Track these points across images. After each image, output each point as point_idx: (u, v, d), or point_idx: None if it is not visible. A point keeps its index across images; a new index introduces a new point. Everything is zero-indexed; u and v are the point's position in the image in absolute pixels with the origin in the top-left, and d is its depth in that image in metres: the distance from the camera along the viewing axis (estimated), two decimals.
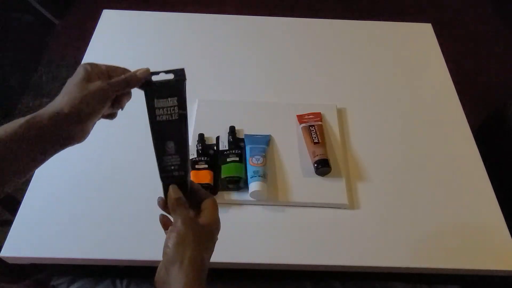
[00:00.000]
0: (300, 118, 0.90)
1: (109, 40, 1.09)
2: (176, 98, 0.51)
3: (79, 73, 0.49)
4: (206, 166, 0.79)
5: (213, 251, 0.50)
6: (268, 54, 1.08)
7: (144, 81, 0.52)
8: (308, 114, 0.90)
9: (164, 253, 0.48)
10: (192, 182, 0.53)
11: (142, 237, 0.74)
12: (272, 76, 1.03)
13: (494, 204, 0.81)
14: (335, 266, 0.74)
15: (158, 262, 0.72)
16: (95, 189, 0.80)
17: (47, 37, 2.08)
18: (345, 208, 0.79)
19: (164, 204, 0.52)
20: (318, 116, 0.90)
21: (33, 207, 0.78)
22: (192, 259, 0.46)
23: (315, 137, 0.84)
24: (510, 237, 0.77)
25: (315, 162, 0.81)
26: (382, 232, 0.77)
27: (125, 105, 0.55)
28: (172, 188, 0.51)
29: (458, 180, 0.85)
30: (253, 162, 0.80)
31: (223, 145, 0.84)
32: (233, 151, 0.82)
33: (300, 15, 1.20)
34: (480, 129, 1.13)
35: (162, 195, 0.52)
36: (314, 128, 0.86)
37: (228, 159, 0.81)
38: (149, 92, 0.52)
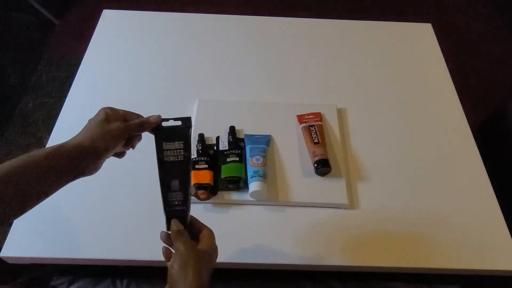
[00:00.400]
0: (300, 118, 0.90)
1: (109, 40, 1.09)
2: (182, 142, 0.58)
3: (100, 114, 0.56)
4: (206, 166, 0.79)
5: (211, 273, 0.55)
6: (268, 54, 1.08)
7: (155, 125, 0.59)
8: (308, 114, 0.90)
9: (170, 275, 0.53)
10: (191, 216, 0.60)
11: (142, 237, 0.74)
12: (272, 76, 1.03)
13: (494, 204, 0.81)
14: (335, 266, 0.74)
15: (158, 262, 0.72)
16: (95, 189, 0.80)
17: (47, 37, 2.08)
18: (345, 208, 0.79)
19: (166, 236, 0.58)
20: (318, 116, 0.90)
21: (33, 207, 0.77)
22: (195, 276, 0.51)
23: (315, 137, 0.84)
24: (510, 237, 0.77)
25: (315, 162, 0.81)
26: (382, 232, 0.77)
27: (135, 145, 0.62)
28: (174, 222, 0.57)
29: (458, 180, 0.85)
30: (253, 162, 0.80)
31: (223, 145, 0.84)
32: (233, 151, 0.82)
33: (300, 15, 1.21)
34: (480, 129, 1.13)
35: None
36: (314, 128, 0.86)
37: (228, 159, 0.81)
38: (159, 135, 0.58)
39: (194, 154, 0.82)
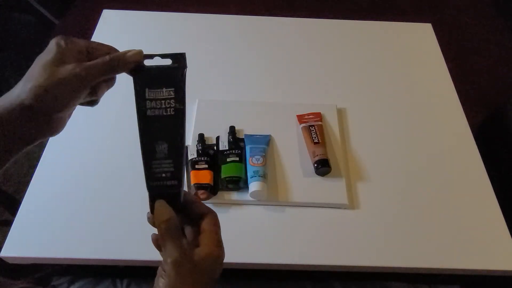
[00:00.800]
0: (300, 118, 0.90)
1: (109, 40, 1.08)
2: (173, 89, 0.42)
3: (49, 50, 0.39)
4: (206, 166, 0.79)
5: None
6: (268, 54, 1.08)
7: (135, 65, 0.41)
8: (308, 114, 0.90)
9: None
10: (186, 192, 0.43)
11: (142, 237, 0.74)
12: (272, 76, 1.03)
13: (494, 204, 0.81)
14: (335, 266, 0.74)
15: (158, 262, 0.72)
16: (95, 189, 0.80)
17: (47, 37, 2.08)
18: (345, 208, 0.79)
19: (155, 237, 0.42)
20: (318, 116, 0.90)
21: (33, 207, 0.78)
22: None
23: (315, 137, 0.84)
24: (510, 237, 0.77)
25: (315, 162, 0.81)
26: (382, 232, 0.77)
27: (102, 95, 0.45)
28: (160, 206, 0.40)
29: (458, 180, 0.85)
30: (253, 162, 0.80)
31: (223, 145, 0.84)
32: (233, 151, 0.82)
33: (300, 15, 1.21)
34: (480, 129, 1.13)
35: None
36: (314, 128, 0.86)
37: (228, 159, 0.81)
38: (140, 79, 0.42)
39: (194, 154, 0.82)
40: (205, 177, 0.78)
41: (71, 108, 0.40)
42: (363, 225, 0.77)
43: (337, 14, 1.32)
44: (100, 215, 0.77)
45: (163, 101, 0.42)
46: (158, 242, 0.41)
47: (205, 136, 0.86)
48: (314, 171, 0.82)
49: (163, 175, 0.42)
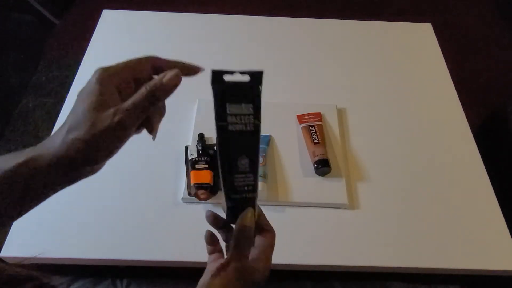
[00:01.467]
0: (300, 118, 0.90)
1: (109, 40, 1.09)
2: (251, 105, 0.43)
3: (91, 91, 0.37)
4: (206, 166, 0.79)
5: None
6: (268, 54, 1.08)
7: (175, 88, 0.42)
8: (308, 114, 0.90)
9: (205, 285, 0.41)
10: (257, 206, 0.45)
11: (142, 237, 0.74)
12: (272, 76, 1.03)
13: (494, 204, 0.81)
14: (335, 266, 0.74)
15: (158, 262, 0.72)
16: (95, 189, 0.80)
17: (47, 37, 2.08)
18: (345, 208, 0.79)
19: (212, 239, 0.46)
20: (318, 116, 0.90)
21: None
22: None
23: (315, 137, 0.84)
24: (510, 237, 0.77)
25: (315, 162, 0.81)
26: (382, 232, 0.77)
27: (158, 124, 0.44)
28: (251, 214, 0.43)
29: (458, 180, 0.85)
30: None
31: None
32: None
33: (300, 15, 1.20)
34: (480, 129, 1.13)
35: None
36: (314, 128, 0.86)
37: None
38: (220, 94, 0.43)
39: (194, 154, 0.82)
40: (205, 177, 0.78)
41: (115, 153, 0.39)
42: (363, 225, 0.77)
43: (337, 14, 1.32)
44: (100, 215, 0.77)
45: (243, 117, 0.43)
46: (212, 239, 0.46)
47: (205, 136, 0.86)
48: (314, 171, 0.82)
49: (246, 188, 0.43)
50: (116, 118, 0.36)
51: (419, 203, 0.81)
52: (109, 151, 0.38)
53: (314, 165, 0.81)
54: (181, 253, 0.73)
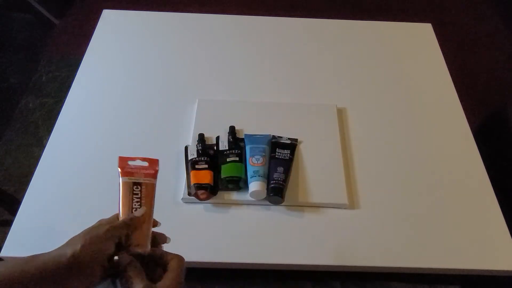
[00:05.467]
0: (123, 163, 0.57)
1: (109, 40, 1.09)
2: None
3: (97, 235, 0.48)
4: (206, 166, 0.79)
5: None
6: (268, 54, 1.08)
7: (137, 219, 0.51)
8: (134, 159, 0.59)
9: None
10: (153, 249, 0.51)
11: None
12: (272, 76, 1.03)
13: (494, 204, 0.81)
14: (335, 266, 0.74)
15: None
16: (95, 189, 0.80)
17: (47, 37, 2.08)
18: (345, 208, 0.79)
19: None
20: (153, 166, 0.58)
21: (33, 207, 0.78)
22: None
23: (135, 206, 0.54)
24: (510, 237, 0.77)
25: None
26: (382, 232, 0.77)
27: (162, 246, 0.53)
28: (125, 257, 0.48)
29: (458, 180, 0.85)
30: (253, 162, 0.80)
31: (223, 145, 0.84)
32: (233, 151, 0.82)
33: (300, 15, 1.20)
34: (480, 129, 1.13)
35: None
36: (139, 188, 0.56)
37: (228, 159, 0.81)
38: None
39: (194, 154, 0.82)
40: (205, 177, 0.78)
41: (106, 260, 0.47)
42: (363, 225, 0.77)
43: (337, 14, 1.32)
44: (100, 215, 0.77)
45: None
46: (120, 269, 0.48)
47: (205, 136, 0.86)
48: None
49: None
50: (105, 227, 0.48)
51: (419, 203, 0.81)
52: (101, 254, 0.46)
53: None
54: (181, 253, 0.73)
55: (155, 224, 0.54)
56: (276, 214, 0.78)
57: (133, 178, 0.52)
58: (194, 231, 0.75)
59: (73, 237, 0.47)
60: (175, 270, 0.48)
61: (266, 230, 0.76)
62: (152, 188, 0.52)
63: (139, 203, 0.51)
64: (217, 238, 0.75)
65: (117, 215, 0.51)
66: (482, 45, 2.15)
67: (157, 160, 0.56)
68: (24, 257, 0.45)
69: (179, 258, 0.50)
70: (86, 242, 0.46)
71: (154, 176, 0.52)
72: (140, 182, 0.52)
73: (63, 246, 0.47)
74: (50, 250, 0.46)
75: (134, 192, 0.51)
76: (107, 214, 0.77)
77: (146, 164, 0.53)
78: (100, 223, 0.50)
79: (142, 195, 0.52)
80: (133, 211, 0.50)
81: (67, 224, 0.76)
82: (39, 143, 1.65)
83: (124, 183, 0.52)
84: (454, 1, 2.36)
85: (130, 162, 0.53)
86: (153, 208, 0.51)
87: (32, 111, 1.76)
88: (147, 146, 0.87)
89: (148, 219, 0.50)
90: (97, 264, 0.46)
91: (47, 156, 0.85)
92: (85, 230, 0.48)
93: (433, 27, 1.17)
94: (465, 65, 1.98)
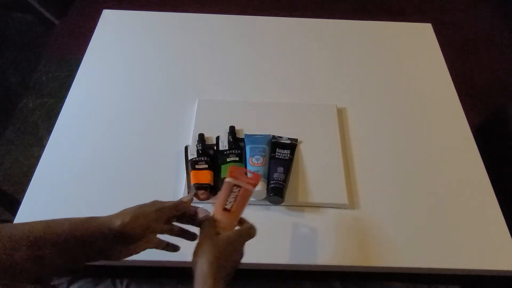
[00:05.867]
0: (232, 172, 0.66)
1: (109, 40, 1.09)
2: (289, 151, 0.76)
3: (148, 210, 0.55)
4: (206, 166, 0.79)
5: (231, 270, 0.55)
6: (268, 54, 1.08)
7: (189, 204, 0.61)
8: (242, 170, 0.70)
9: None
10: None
11: None
12: (272, 76, 1.03)
13: (494, 204, 0.81)
14: (335, 266, 0.74)
15: (157, 262, 0.72)
16: (95, 189, 0.80)
17: (47, 37, 2.08)
18: (345, 208, 0.79)
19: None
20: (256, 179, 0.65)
21: (33, 207, 0.78)
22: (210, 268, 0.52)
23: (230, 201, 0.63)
24: (510, 237, 0.77)
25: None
26: (382, 232, 0.77)
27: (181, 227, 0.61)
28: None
29: (458, 180, 0.85)
30: (253, 162, 0.80)
31: (223, 145, 0.84)
32: (233, 151, 0.82)
33: (300, 15, 1.21)
34: (480, 129, 1.13)
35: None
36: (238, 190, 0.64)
37: (228, 159, 0.81)
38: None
39: (194, 154, 0.82)
40: (205, 177, 0.78)
41: (148, 236, 0.55)
42: (363, 225, 0.77)
43: (337, 14, 1.32)
44: (99, 215, 0.77)
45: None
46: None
47: (205, 136, 0.86)
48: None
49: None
50: (154, 208, 0.55)
51: (419, 203, 0.81)
52: (145, 228, 0.53)
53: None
54: (181, 253, 0.73)
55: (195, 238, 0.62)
56: (276, 214, 0.78)
57: (236, 181, 0.62)
58: (194, 231, 0.75)
59: (125, 209, 0.53)
60: (242, 232, 0.57)
61: (266, 230, 0.76)
62: (247, 193, 0.62)
63: (233, 201, 0.61)
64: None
65: (172, 201, 0.58)
66: (482, 45, 2.15)
67: (260, 176, 0.69)
68: (81, 218, 0.51)
69: (248, 225, 0.58)
70: (136, 216, 0.51)
71: (253, 185, 0.63)
72: (240, 185, 0.62)
73: (114, 215, 0.52)
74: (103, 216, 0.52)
75: (233, 191, 0.61)
76: (107, 214, 0.77)
77: (251, 175, 0.64)
78: (154, 203, 0.56)
79: (238, 196, 0.61)
80: (225, 205, 0.60)
81: None
82: (39, 143, 1.65)
83: (227, 182, 0.62)
84: (454, 1, 2.36)
85: (238, 171, 0.64)
86: (244, 208, 0.61)
87: (32, 111, 1.76)
88: (147, 146, 0.87)
89: (238, 213, 0.61)
90: (141, 238, 0.52)
91: (47, 156, 0.85)
92: (137, 205, 0.54)
93: (433, 27, 1.17)
94: (465, 65, 1.99)
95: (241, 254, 0.57)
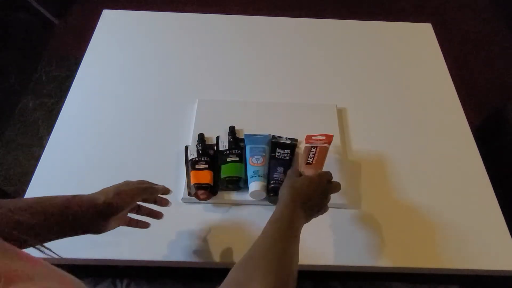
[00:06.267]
0: (308, 139, 0.83)
1: (109, 40, 1.09)
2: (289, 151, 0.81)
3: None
4: (206, 166, 0.79)
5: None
6: (268, 54, 1.08)
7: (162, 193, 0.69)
8: (316, 135, 0.83)
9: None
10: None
11: (142, 237, 0.74)
12: (272, 76, 1.03)
13: (494, 204, 0.81)
14: (335, 266, 0.74)
15: (157, 262, 0.72)
16: (95, 189, 0.80)
17: (47, 37, 2.08)
18: (345, 208, 0.79)
19: None
20: (329, 138, 0.81)
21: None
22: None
23: (310, 158, 0.77)
24: (510, 237, 0.77)
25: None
26: (382, 232, 0.77)
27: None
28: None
29: (458, 180, 0.85)
30: (253, 162, 0.80)
31: (223, 145, 0.84)
32: (233, 151, 0.82)
33: (300, 15, 1.21)
34: (480, 129, 1.13)
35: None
36: (315, 149, 0.78)
37: (228, 159, 0.81)
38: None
39: (194, 154, 0.82)
40: (205, 177, 0.78)
41: (126, 211, 0.61)
42: (363, 225, 0.77)
43: (337, 14, 1.32)
44: None
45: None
46: None
47: (205, 136, 0.86)
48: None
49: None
50: (136, 187, 0.62)
51: (419, 203, 0.81)
52: (124, 204, 0.59)
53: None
54: (181, 253, 0.73)
55: (160, 216, 0.69)
56: None
57: (312, 144, 0.79)
58: (194, 231, 0.75)
59: (106, 188, 0.59)
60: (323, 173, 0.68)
61: None
62: (324, 149, 0.77)
63: (313, 157, 0.76)
64: (217, 238, 0.75)
65: (141, 181, 0.65)
66: (482, 45, 2.15)
67: (332, 136, 0.81)
68: (68, 195, 0.56)
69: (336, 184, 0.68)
70: (118, 194, 0.58)
71: (327, 142, 0.78)
72: (316, 145, 0.78)
73: (96, 193, 0.58)
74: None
75: (311, 151, 0.77)
76: None
77: (323, 138, 0.80)
78: (127, 182, 0.62)
79: (316, 152, 0.76)
80: (307, 160, 0.75)
81: None
82: (39, 143, 1.65)
83: (306, 147, 0.79)
84: (454, 1, 2.36)
85: (313, 137, 0.81)
86: (323, 162, 0.76)
87: (32, 111, 1.76)
88: (147, 146, 0.87)
89: (318, 165, 0.75)
90: (122, 213, 0.58)
91: (47, 156, 0.85)
92: (115, 185, 0.60)
93: (433, 27, 1.17)
94: (465, 65, 1.99)
95: (326, 199, 0.66)
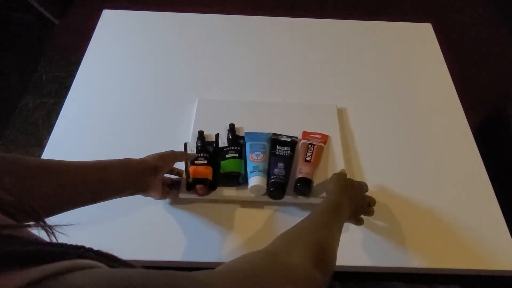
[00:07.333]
0: (305, 135, 0.87)
1: (109, 40, 1.09)
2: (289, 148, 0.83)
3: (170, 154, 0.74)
4: (205, 161, 0.79)
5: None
6: (268, 54, 1.08)
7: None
8: (315, 133, 0.87)
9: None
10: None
11: (140, 237, 0.74)
12: (272, 76, 1.03)
13: (494, 204, 0.81)
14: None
15: (157, 262, 0.72)
16: None
17: (47, 37, 2.08)
18: None
19: None
20: (325, 138, 0.86)
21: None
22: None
23: (308, 156, 0.81)
24: (510, 237, 0.77)
25: (297, 179, 0.78)
26: (382, 232, 0.77)
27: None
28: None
29: (458, 180, 0.85)
30: (253, 158, 0.80)
31: (222, 142, 0.84)
32: (233, 148, 0.82)
33: (300, 15, 1.21)
34: (480, 129, 1.13)
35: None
36: (312, 147, 0.83)
37: (227, 155, 0.81)
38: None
39: (193, 150, 0.82)
40: (204, 172, 0.77)
41: (166, 170, 0.72)
42: (363, 225, 0.77)
43: (337, 14, 1.32)
44: (99, 215, 0.77)
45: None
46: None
47: (204, 134, 0.86)
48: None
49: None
50: (172, 154, 0.73)
51: (419, 203, 0.81)
52: (168, 165, 0.72)
53: (295, 182, 0.78)
54: (180, 253, 0.73)
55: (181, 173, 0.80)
56: (276, 213, 0.78)
57: (309, 141, 0.83)
58: (193, 230, 0.75)
59: (150, 155, 0.69)
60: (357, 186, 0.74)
61: (266, 229, 0.76)
62: (320, 149, 0.83)
63: (311, 154, 0.81)
64: (215, 236, 0.75)
65: (183, 152, 0.81)
66: (482, 45, 2.15)
67: (327, 136, 0.87)
68: (121, 159, 0.66)
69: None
70: (162, 156, 0.70)
71: (323, 142, 0.84)
72: (313, 143, 0.83)
73: (144, 158, 0.68)
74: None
75: (309, 148, 0.82)
76: (107, 213, 0.78)
77: (319, 136, 0.85)
78: (171, 151, 0.73)
79: (314, 150, 0.81)
80: (306, 158, 0.80)
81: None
82: (39, 143, 1.65)
83: (303, 143, 0.84)
84: (454, 1, 2.36)
85: (310, 134, 0.86)
86: (320, 160, 0.82)
87: (32, 111, 1.76)
88: (146, 146, 0.87)
89: (316, 163, 0.80)
90: (164, 172, 0.71)
91: (47, 156, 0.85)
92: (158, 153, 0.70)
93: (433, 27, 1.17)
94: (465, 65, 1.98)
95: (364, 201, 0.72)
